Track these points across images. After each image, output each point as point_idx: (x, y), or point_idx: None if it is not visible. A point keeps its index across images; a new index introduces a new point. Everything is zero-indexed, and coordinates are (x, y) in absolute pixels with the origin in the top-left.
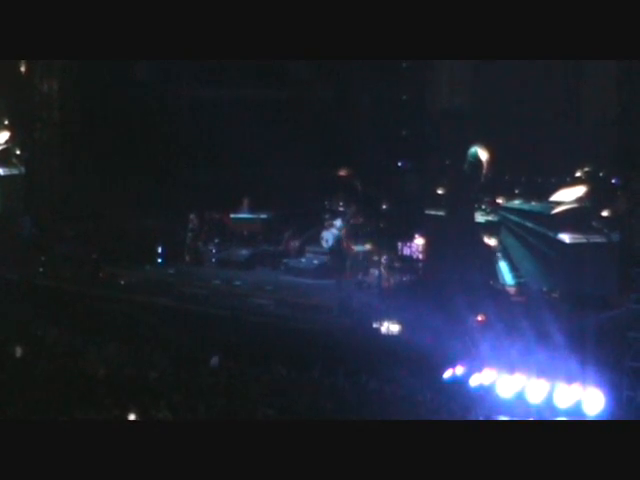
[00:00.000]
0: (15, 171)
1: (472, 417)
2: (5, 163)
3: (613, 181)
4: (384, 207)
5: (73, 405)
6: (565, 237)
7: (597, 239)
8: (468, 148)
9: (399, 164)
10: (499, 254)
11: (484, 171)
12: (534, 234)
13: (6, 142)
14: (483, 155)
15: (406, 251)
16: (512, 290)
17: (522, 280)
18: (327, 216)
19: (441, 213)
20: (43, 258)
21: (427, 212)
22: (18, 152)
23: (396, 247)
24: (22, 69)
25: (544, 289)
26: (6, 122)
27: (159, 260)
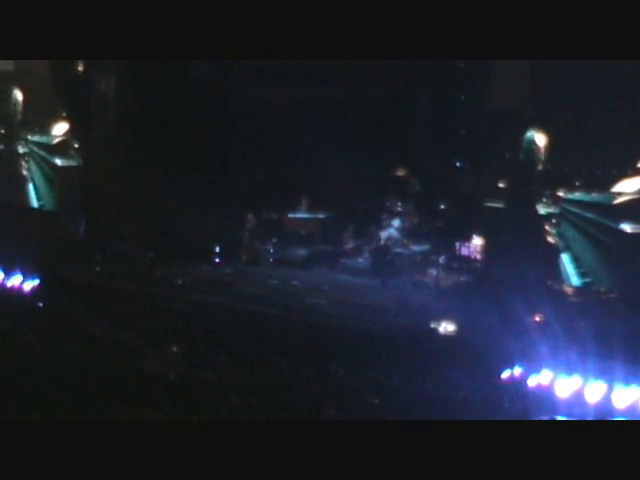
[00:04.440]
0: (73, 162)
1: (531, 417)
2: (64, 154)
3: None
4: (442, 207)
5: (129, 404)
6: (627, 227)
7: None
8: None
9: (457, 164)
10: (560, 246)
11: (542, 156)
12: (595, 225)
13: (64, 134)
14: (540, 139)
15: (464, 251)
16: (569, 290)
17: (584, 274)
18: (385, 216)
19: (502, 205)
20: (99, 257)
21: (487, 205)
22: (76, 145)
23: (454, 247)
24: (79, 67)
25: (602, 289)
26: (64, 114)
27: (216, 259)
